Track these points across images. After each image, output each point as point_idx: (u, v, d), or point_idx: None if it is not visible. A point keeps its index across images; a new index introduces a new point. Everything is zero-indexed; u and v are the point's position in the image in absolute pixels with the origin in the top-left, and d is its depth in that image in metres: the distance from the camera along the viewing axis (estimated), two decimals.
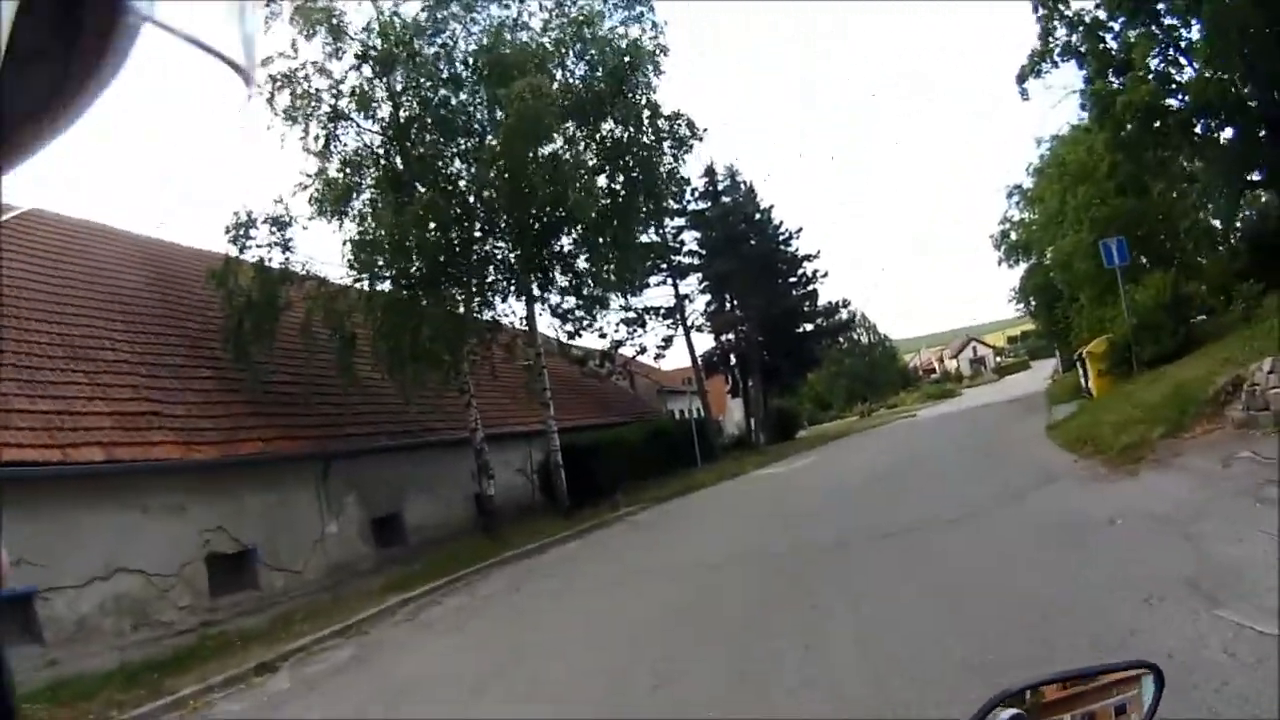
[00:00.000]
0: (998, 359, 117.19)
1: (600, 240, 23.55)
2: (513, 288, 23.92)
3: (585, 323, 37.96)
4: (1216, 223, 31.10)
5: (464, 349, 21.73)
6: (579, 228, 22.63)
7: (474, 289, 22.42)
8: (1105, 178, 28.21)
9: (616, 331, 41.60)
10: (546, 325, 25.93)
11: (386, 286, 21.55)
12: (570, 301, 25.54)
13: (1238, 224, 30.81)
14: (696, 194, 45.24)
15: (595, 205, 21.85)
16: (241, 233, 19.79)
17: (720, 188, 46.97)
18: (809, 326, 49.84)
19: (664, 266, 43.50)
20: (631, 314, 42.09)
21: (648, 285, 42.37)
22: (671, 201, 27.91)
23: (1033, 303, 44.77)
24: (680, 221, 45.06)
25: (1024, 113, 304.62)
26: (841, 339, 63.69)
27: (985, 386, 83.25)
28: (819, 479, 24.08)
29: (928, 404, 72.02)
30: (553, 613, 12.46)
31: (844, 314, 50.56)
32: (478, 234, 22.11)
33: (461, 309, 22.11)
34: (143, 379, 16.92)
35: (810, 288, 48.97)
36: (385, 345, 20.90)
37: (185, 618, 14.71)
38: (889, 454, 26.74)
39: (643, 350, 43.21)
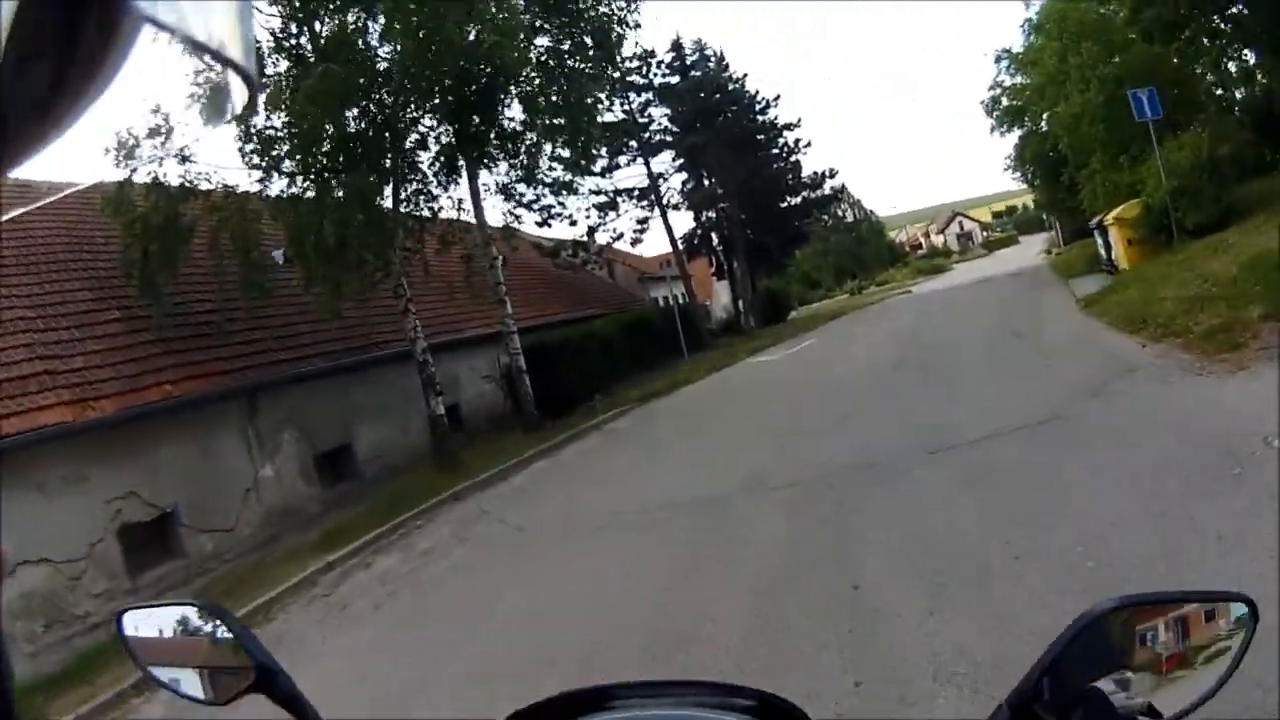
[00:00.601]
0: (985, 234, 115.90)
1: (543, 103, 20.19)
2: (449, 171, 20.44)
3: (550, 210, 35.88)
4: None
5: (391, 245, 18.26)
6: (520, 93, 19.37)
7: (399, 174, 18.78)
8: (1126, 24, 26.32)
9: (588, 217, 39.02)
10: (502, 214, 22.74)
11: (296, 182, 18.13)
12: (522, 185, 22.17)
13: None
14: (664, 67, 41.87)
15: (531, 61, 18.67)
16: (126, 151, 16.18)
17: (689, 62, 43.00)
18: (795, 201, 46.39)
19: (633, 144, 40.36)
20: (603, 197, 39.43)
21: (618, 166, 39.74)
22: (623, 61, 23.98)
23: (1030, 172, 42.41)
24: (648, 97, 41.79)
25: None
26: (828, 214, 60.40)
27: (976, 260, 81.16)
28: (825, 368, 21.37)
29: (920, 279, 69.88)
30: (502, 578, 9.68)
31: (831, 185, 46.80)
32: (399, 109, 18.32)
33: (388, 199, 18.70)
34: (39, 335, 14.24)
35: (793, 159, 45.48)
36: (293, 250, 17.67)
37: (101, 606, 12.11)
38: (900, 335, 24.10)
39: (619, 236, 40.28)
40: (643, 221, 40.18)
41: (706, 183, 43.15)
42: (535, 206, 36.35)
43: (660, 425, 19.07)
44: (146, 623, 1.70)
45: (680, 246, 42.15)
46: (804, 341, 31.25)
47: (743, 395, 20.68)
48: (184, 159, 16.87)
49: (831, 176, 46.08)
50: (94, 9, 0.46)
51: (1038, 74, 32.46)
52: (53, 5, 0.45)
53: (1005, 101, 39.29)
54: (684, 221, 44.04)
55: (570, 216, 38.21)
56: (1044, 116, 35.58)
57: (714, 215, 44.13)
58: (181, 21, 0.50)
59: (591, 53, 21.57)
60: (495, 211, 22.48)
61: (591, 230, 38.66)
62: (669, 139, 42.33)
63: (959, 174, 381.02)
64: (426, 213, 19.90)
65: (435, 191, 19.86)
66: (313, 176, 17.36)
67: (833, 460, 10.40)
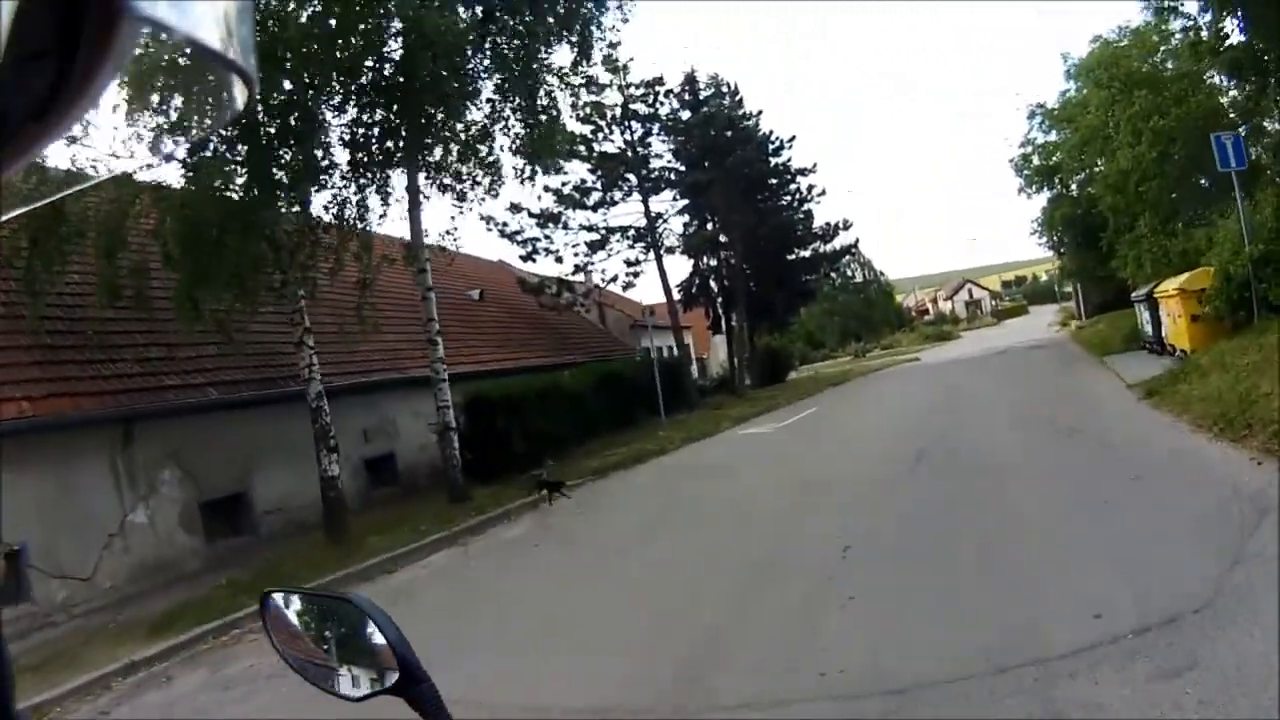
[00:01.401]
0: (994, 302, 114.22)
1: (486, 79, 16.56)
2: (373, 167, 15.76)
3: (535, 243, 33.04)
4: None
5: (280, 260, 14.33)
6: (453, 77, 14.99)
7: (302, 169, 14.10)
8: (1187, 69, 23.51)
9: (576, 254, 35.44)
10: (440, 234, 18.63)
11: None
12: (464, 176, 17.78)
13: None
14: (673, 98, 37.84)
15: (461, 32, 14.61)
16: None
17: (702, 96, 38.67)
18: (804, 253, 42.11)
19: (631, 179, 36.59)
20: (594, 235, 35.81)
21: (614, 201, 36.29)
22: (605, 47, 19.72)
23: (1059, 236, 39.16)
24: (651, 127, 37.62)
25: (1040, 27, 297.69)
26: (837, 271, 56.86)
27: (985, 330, 79.84)
28: (821, 451, 17.99)
29: (927, 346, 67.77)
30: None
31: (843, 240, 42.38)
32: (306, 90, 13.83)
33: (285, 205, 14.43)
34: None
35: (805, 207, 41.18)
36: (160, 248, 13.97)
37: None
38: (915, 419, 20.17)
39: (613, 279, 36.50)
40: (633, 263, 36.24)
41: (709, 226, 39.39)
42: (519, 238, 34.41)
43: (610, 510, 15.48)
44: (292, 607, 1.73)
45: (676, 295, 38.67)
46: (802, 411, 27.63)
47: (719, 479, 16.78)
48: (72, 139, 13.23)
49: (846, 229, 41.75)
50: (94, 9, 0.47)
51: (1078, 130, 30.11)
52: (53, 5, 0.46)
53: (1036, 160, 37.52)
54: (681, 267, 40.12)
55: (557, 253, 34.90)
56: (1078, 177, 34.38)
57: (714, 263, 40.33)
58: (181, 21, 0.50)
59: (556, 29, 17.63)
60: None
61: (579, 269, 35.29)
62: (672, 176, 38.24)
63: (968, 242, 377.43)
64: (345, 220, 15.77)
65: (351, 195, 15.67)
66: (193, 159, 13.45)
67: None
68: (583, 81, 18.99)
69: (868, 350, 71.22)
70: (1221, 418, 11.35)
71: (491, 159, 17.31)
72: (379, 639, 1.54)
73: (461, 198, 17.54)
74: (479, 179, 17.34)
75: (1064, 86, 35.05)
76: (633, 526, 13.38)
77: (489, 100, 16.77)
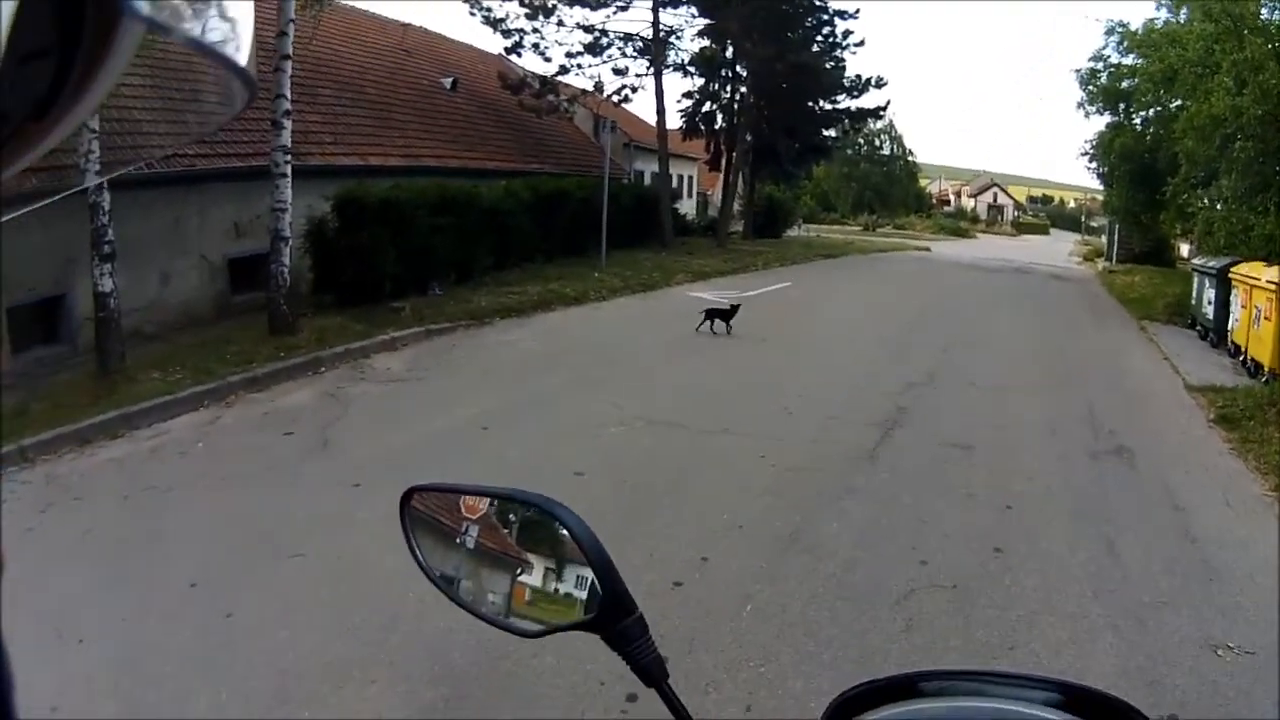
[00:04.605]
0: (1017, 213, 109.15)
1: None
2: None
3: (522, 34, 28.87)
4: None
5: None
6: None
7: None
8: None
9: (568, 56, 30.19)
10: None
11: None
12: None
13: None
14: None
15: None
16: None
17: None
18: (826, 106, 36.24)
19: None
20: (588, 36, 30.21)
21: (624, 7, 30.46)
22: None
23: (1113, 167, 34.37)
24: None
25: None
26: (862, 134, 51.94)
27: (1004, 239, 76.27)
28: (773, 356, 13.83)
29: (940, 237, 64.75)
30: None
31: (873, 98, 37.10)
32: None
33: None
34: None
35: (837, 52, 35.16)
36: None
37: None
38: (912, 320, 16.84)
39: (596, 88, 30.87)
40: (622, 71, 30.85)
41: (727, 54, 34.00)
42: (502, 26, 29.43)
43: (439, 396, 10.96)
44: (447, 507, 1.38)
45: (678, 122, 34.12)
46: (774, 283, 23.51)
47: (613, 364, 12.68)
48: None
49: (879, 86, 35.83)
50: (94, 9, 0.46)
51: (1163, 59, 26.66)
52: (53, 5, 0.46)
53: (1104, 80, 33.66)
54: (686, 91, 34.78)
55: (545, 50, 29.94)
56: (1148, 111, 31.57)
57: (724, 92, 35.12)
58: (181, 21, 0.49)
59: None
60: None
61: (563, 69, 30.07)
62: None
63: (1004, 146, 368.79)
64: None
65: None
66: None
67: None
68: None
69: (879, 225, 68.68)
70: None
71: None
72: (568, 551, 1.21)
73: None
74: None
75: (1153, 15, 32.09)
76: (443, 430, 9.24)
77: None
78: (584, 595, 1.20)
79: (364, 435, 8.88)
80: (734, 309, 14.09)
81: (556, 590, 1.24)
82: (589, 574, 1.19)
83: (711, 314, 14.20)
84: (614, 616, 1.16)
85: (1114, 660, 5.20)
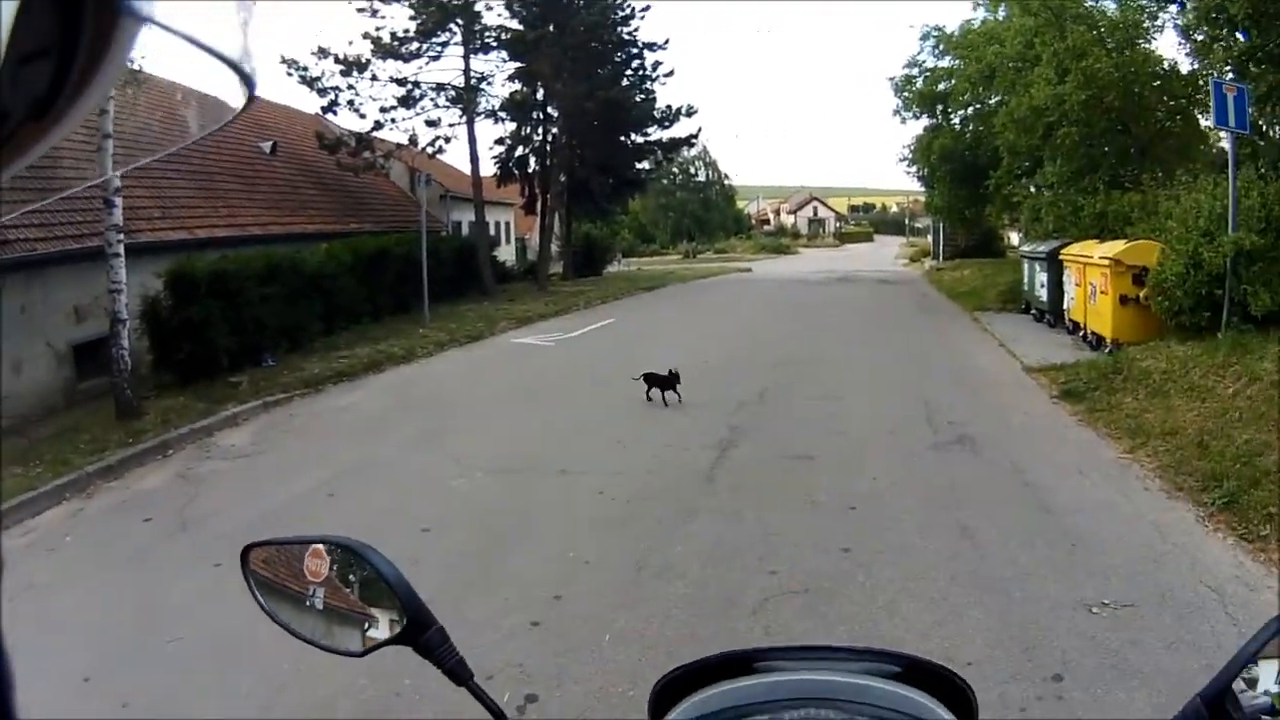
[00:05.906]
0: (839, 224, 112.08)
1: None
2: None
3: (337, 92, 28.62)
4: None
5: None
6: None
7: None
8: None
9: (383, 111, 29.93)
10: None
11: None
12: None
13: None
14: None
15: None
16: None
17: None
18: (638, 139, 36.89)
19: (454, 27, 30.83)
20: (400, 90, 30.06)
21: (431, 53, 30.53)
22: None
23: (932, 168, 34.88)
24: None
25: None
26: (677, 165, 52.46)
27: (827, 250, 77.57)
28: (595, 392, 13.95)
29: (761, 257, 65.78)
30: None
31: (684, 125, 37.43)
32: None
33: None
34: None
35: (647, 85, 35.88)
36: None
37: None
38: (738, 340, 16.87)
39: (411, 141, 30.63)
40: (434, 123, 30.77)
41: (538, 96, 33.95)
42: (318, 85, 28.97)
43: (285, 466, 10.60)
44: (276, 560, 1.54)
45: (493, 169, 34.42)
46: (598, 320, 23.51)
47: (448, 418, 12.48)
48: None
49: (690, 114, 36.63)
50: (94, 9, 0.46)
51: (980, 59, 27.83)
52: (53, 5, 0.46)
53: (920, 85, 34.72)
54: (499, 136, 34.67)
55: (360, 107, 29.60)
56: (965, 110, 32.50)
57: (536, 135, 35.12)
58: (181, 22, 0.50)
59: None
60: None
61: (378, 125, 29.84)
62: (505, 36, 32.15)
63: (821, 159, 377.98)
64: None
65: None
66: None
67: None
68: None
69: (700, 251, 69.16)
70: (1212, 479, 7.40)
71: None
72: (377, 583, 1.40)
73: None
74: None
75: (969, 16, 32.88)
76: (291, 500, 9.04)
77: None
78: (395, 617, 1.37)
79: (218, 513, 8.54)
80: (675, 375, 12.74)
81: (373, 616, 1.41)
82: (396, 602, 1.37)
83: (651, 381, 13.15)
84: (418, 630, 1.35)
85: (985, 634, 5.28)
